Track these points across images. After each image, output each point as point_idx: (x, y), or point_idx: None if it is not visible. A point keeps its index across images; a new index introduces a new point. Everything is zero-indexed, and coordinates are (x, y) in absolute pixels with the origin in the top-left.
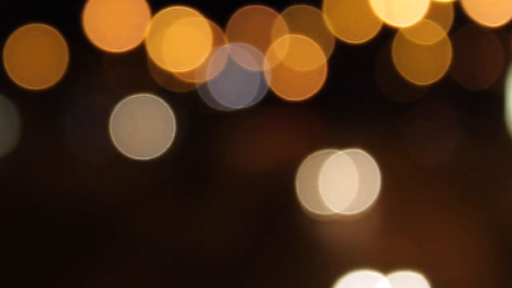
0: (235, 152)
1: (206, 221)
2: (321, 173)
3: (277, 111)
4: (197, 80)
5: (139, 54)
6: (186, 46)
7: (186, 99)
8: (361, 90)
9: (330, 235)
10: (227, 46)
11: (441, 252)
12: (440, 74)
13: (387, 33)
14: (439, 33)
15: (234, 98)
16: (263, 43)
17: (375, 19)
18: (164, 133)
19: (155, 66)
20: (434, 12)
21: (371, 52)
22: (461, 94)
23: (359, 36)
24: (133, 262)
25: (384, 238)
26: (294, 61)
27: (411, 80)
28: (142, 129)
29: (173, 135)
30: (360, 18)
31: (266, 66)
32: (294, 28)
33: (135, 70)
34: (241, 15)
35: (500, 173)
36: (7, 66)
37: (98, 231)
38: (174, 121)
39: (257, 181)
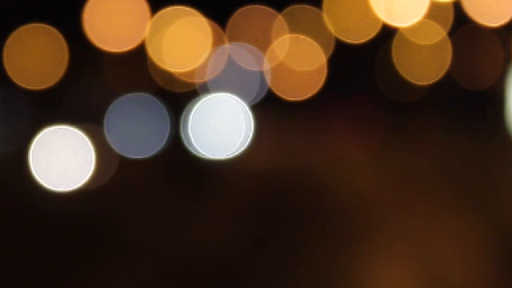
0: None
1: (205, 221)
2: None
3: (277, 111)
4: (197, 80)
5: (139, 54)
6: (186, 46)
7: (186, 99)
8: (361, 90)
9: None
10: (227, 46)
11: (440, 252)
12: (440, 74)
13: (387, 33)
14: (439, 33)
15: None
16: (263, 43)
17: (375, 19)
18: (161, 133)
19: (155, 66)
20: (434, 12)
21: (371, 52)
22: (461, 94)
23: (359, 36)
24: (133, 262)
25: (382, 238)
26: (294, 61)
27: (411, 80)
28: (140, 128)
29: (168, 134)
30: (360, 18)
31: (266, 66)
32: (294, 28)
33: (135, 70)
34: (241, 15)
35: (500, 173)
36: (7, 66)
37: (97, 231)
38: (169, 120)
39: (257, 180)
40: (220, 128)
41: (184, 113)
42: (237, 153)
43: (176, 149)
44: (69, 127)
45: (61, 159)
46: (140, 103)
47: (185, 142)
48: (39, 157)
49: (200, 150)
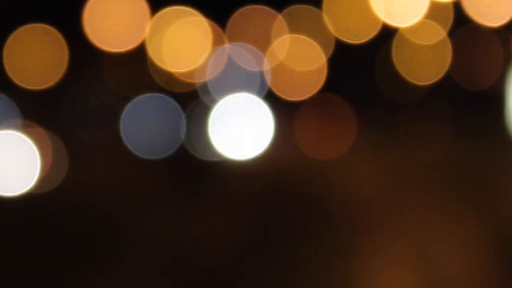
0: None
1: (205, 221)
2: None
3: (277, 111)
4: (197, 80)
5: (139, 54)
6: (186, 46)
7: (186, 99)
8: (361, 90)
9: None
10: (227, 46)
11: (439, 251)
12: (440, 74)
13: (387, 33)
14: (439, 33)
15: None
16: (263, 43)
17: (375, 19)
18: (172, 133)
19: (155, 66)
20: (434, 12)
21: (371, 52)
22: (461, 94)
23: (359, 36)
24: (133, 262)
25: (382, 238)
26: (294, 61)
27: (411, 80)
28: (153, 128)
29: (183, 134)
30: (360, 18)
31: (266, 66)
32: (294, 28)
33: (135, 70)
34: (241, 15)
35: (499, 173)
36: (7, 66)
37: (97, 231)
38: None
39: (257, 180)
40: (241, 129)
41: (187, 113)
42: (258, 153)
43: (180, 150)
44: (13, 132)
45: (5, 164)
46: (153, 103)
47: (190, 143)
48: None
49: (220, 151)
